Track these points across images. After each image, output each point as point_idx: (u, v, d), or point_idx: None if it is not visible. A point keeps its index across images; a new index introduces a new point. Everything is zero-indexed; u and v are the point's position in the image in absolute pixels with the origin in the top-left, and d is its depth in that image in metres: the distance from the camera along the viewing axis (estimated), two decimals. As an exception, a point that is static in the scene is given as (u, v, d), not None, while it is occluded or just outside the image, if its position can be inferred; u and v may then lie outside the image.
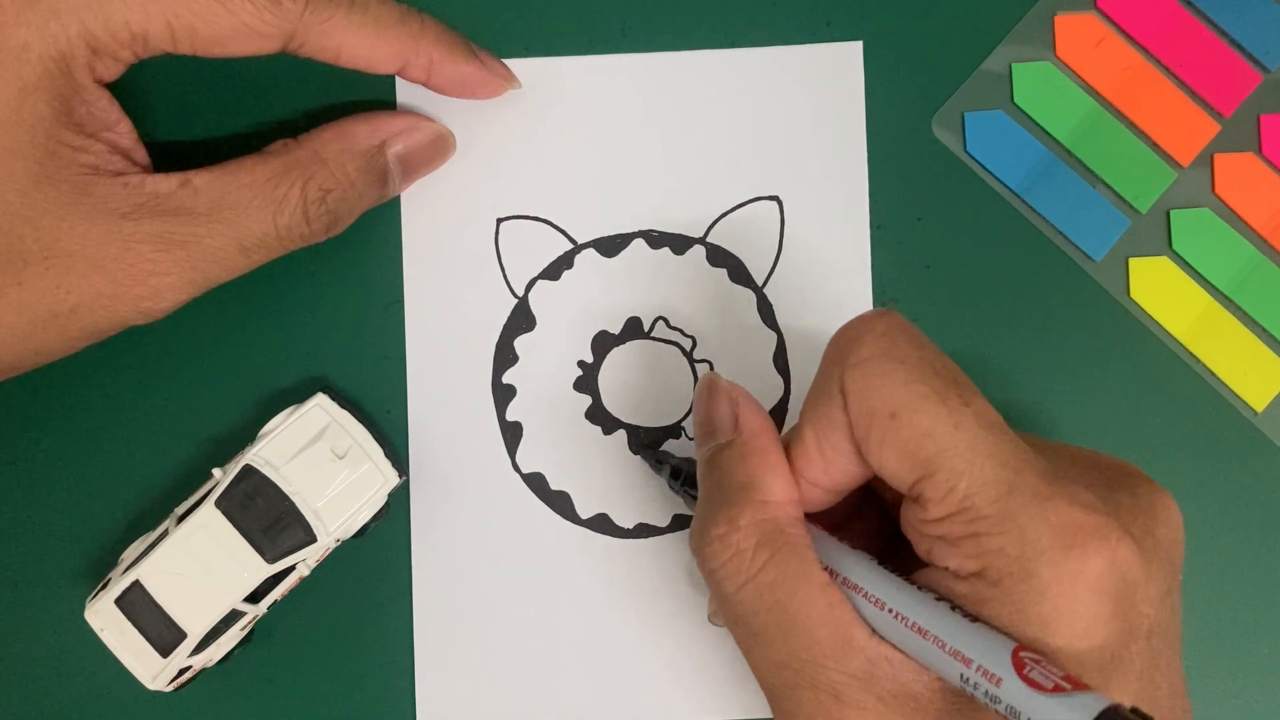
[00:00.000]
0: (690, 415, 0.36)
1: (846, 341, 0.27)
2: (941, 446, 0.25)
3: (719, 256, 0.36)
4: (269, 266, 0.33)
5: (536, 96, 0.37)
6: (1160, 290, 0.36)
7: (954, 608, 0.25)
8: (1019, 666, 0.23)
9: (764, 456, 0.28)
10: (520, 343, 0.36)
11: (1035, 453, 0.26)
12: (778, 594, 0.27)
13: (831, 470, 0.28)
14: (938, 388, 0.26)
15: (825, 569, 0.27)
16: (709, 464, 0.29)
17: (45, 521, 0.36)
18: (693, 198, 0.36)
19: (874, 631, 0.26)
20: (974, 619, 0.25)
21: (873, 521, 0.30)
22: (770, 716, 0.35)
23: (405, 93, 0.36)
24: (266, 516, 0.33)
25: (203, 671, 0.34)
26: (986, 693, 0.23)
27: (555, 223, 0.37)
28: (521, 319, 0.37)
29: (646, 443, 0.36)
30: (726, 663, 0.36)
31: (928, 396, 0.26)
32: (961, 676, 0.24)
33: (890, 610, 0.26)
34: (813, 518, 0.29)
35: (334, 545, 0.34)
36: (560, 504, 0.36)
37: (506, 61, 0.36)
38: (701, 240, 0.36)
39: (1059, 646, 0.24)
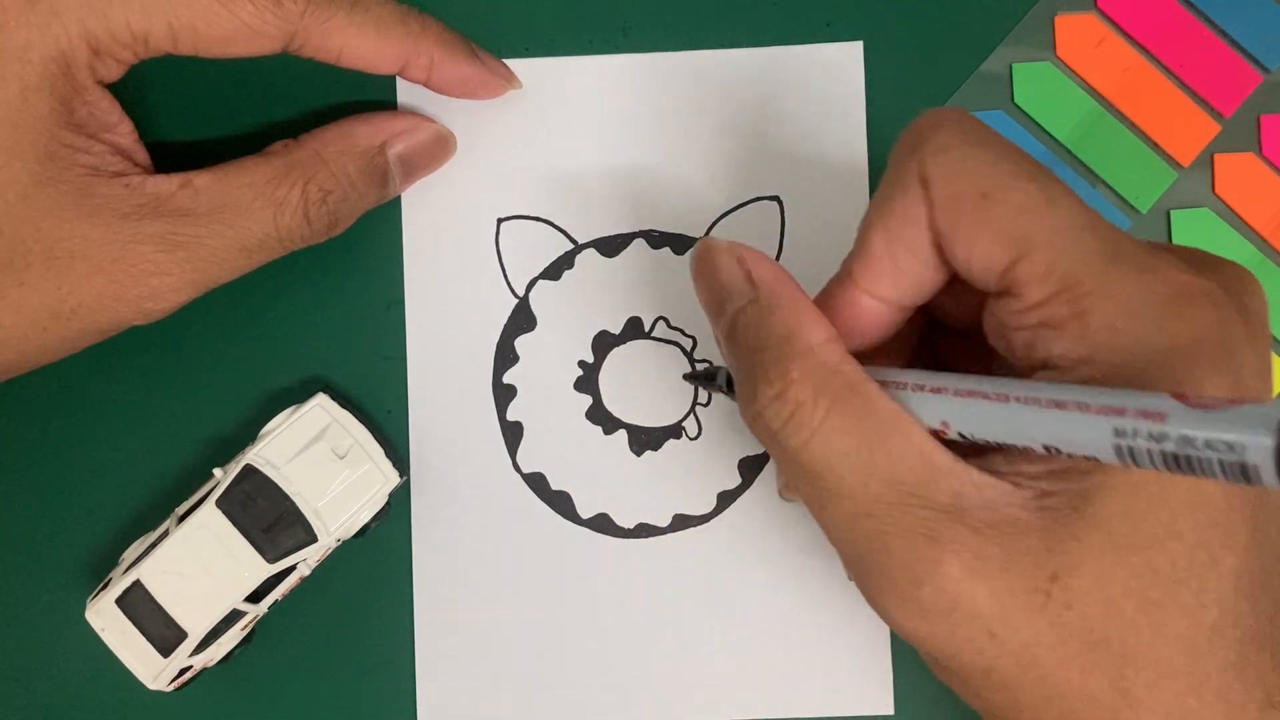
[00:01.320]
0: (690, 414, 0.36)
1: (924, 129, 0.26)
2: (1040, 221, 0.24)
3: (719, 256, 0.36)
4: (269, 266, 0.33)
5: (536, 96, 0.37)
6: (1160, 290, 0.36)
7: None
8: (1181, 398, 0.21)
9: (794, 303, 0.27)
10: (521, 343, 0.37)
11: (1127, 234, 0.25)
12: (847, 438, 0.25)
13: (902, 278, 0.26)
14: (1026, 167, 0.25)
15: (886, 384, 0.26)
16: (735, 330, 0.27)
17: (45, 521, 0.36)
18: (693, 198, 0.37)
19: (957, 457, 0.25)
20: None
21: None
22: (770, 717, 0.36)
23: (405, 93, 0.36)
24: (267, 516, 0.33)
25: (203, 671, 0.35)
26: (1149, 434, 0.21)
27: (555, 223, 0.37)
28: (522, 319, 0.37)
29: (692, 372, 0.33)
30: (726, 663, 0.36)
31: (1018, 174, 0.25)
32: (1116, 431, 0.21)
33: (995, 396, 0.24)
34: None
35: (334, 545, 0.34)
36: (560, 504, 0.36)
37: (506, 61, 0.36)
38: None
39: None
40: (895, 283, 0.27)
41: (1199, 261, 0.26)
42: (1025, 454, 0.24)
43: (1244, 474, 0.19)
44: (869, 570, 0.26)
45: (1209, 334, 0.23)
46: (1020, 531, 0.24)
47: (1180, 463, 0.20)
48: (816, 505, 0.26)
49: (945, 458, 0.25)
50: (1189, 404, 0.20)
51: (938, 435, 0.25)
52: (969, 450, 0.25)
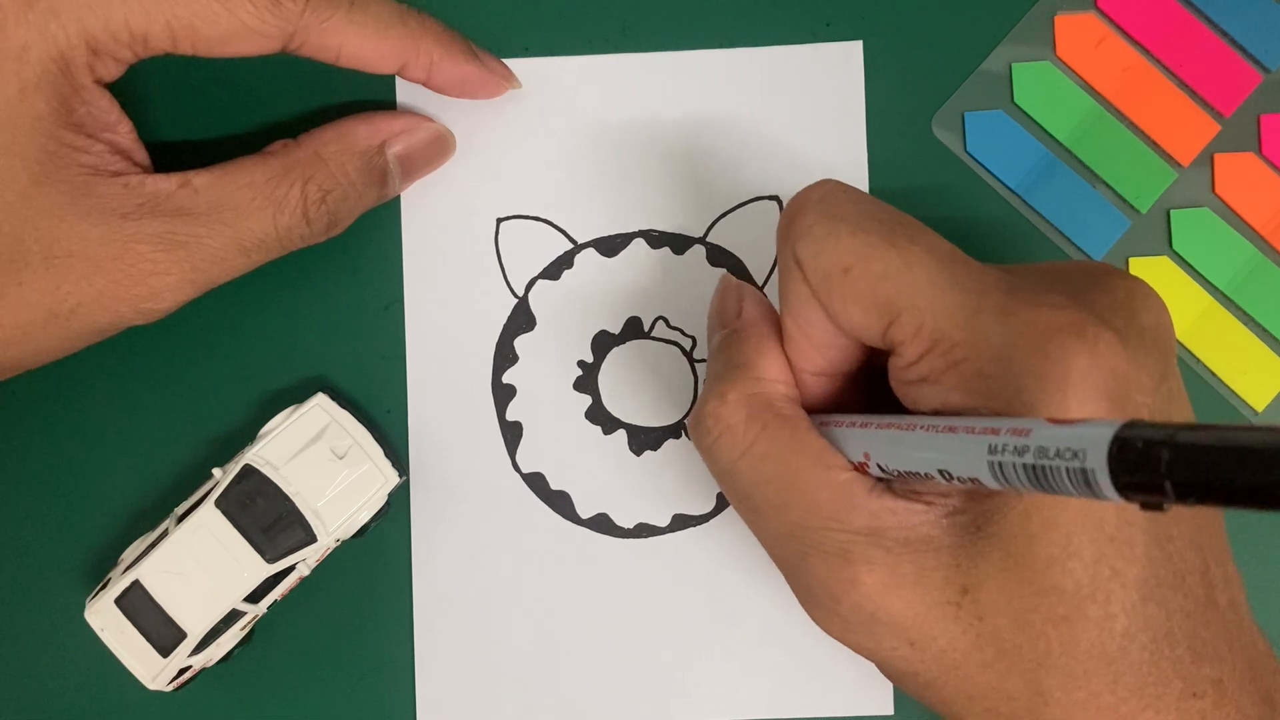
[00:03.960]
0: (689, 415, 0.36)
1: (791, 216, 0.28)
2: (898, 287, 0.26)
3: (719, 256, 0.36)
4: (269, 266, 0.33)
5: (536, 96, 0.37)
6: (1160, 290, 0.36)
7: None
8: (1052, 421, 0.22)
9: (760, 340, 0.29)
10: (520, 342, 0.36)
11: (1000, 272, 0.26)
12: (772, 465, 0.27)
13: (822, 350, 0.28)
14: (883, 234, 0.26)
15: (822, 424, 0.28)
16: (714, 352, 0.30)
17: (45, 521, 0.36)
18: (693, 198, 0.36)
19: (875, 485, 0.26)
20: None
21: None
22: (770, 717, 0.36)
23: (405, 93, 0.36)
24: (266, 516, 0.33)
25: (203, 671, 0.35)
26: (1014, 448, 0.22)
27: (555, 222, 0.37)
28: (521, 319, 0.37)
29: None
30: (726, 663, 0.36)
31: (874, 244, 0.26)
32: (990, 448, 0.22)
33: (905, 426, 0.25)
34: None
35: (334, 545, 0.34)
36: (560, 504, 0.36)
37: (506, 61, 0.36)
38: (701, 240, 0.36)
39: None
40: (819, 355, 0.29)
41: (1087, 282, 0.26)
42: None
43: (1086, 482, 0.20)
44: (796, 585, 0.28)
45: (1076, 367, 0.24)
46: (932, 548, 0.26)
47: (1039, 476, 0.21)
48: (748, 521, 0.29)
49: (863, 486, 0.26)
50: (1055, 422, 0.21)
51: (861, 468, 0.27)
52: (895, 482, 0.27)
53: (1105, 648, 0.25)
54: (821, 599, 0.27)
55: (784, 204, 0.36)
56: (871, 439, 0.26)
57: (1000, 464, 0.22)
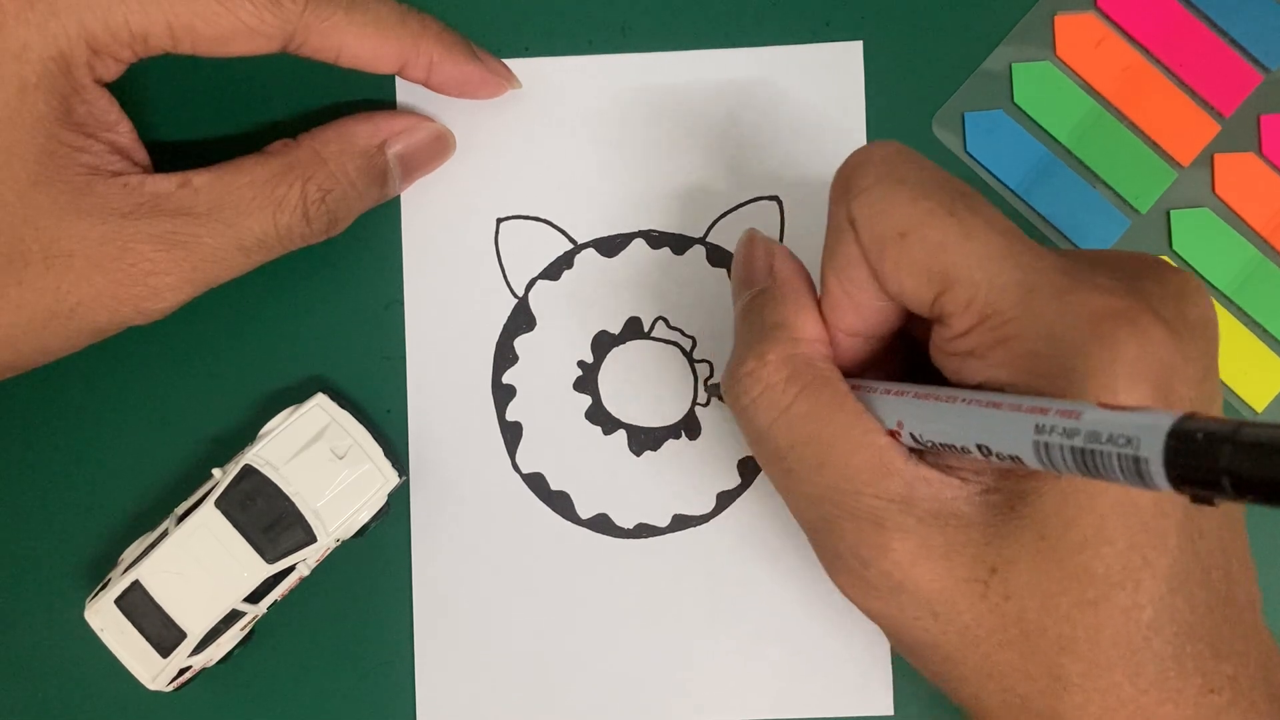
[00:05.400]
0: (690, 414, 0.36)
1: (849, 173, 0.27)
2: (955, 257, 0.25)
3: (719, 256, 0.36)
4: (269, 266, 0.33)
5: (536, 96, 0.37)
6: (1160, 290, 0.36)
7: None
8: (1103, 406, 0.22)
9: (796, 299, 0.29)
10: (520, 343, 0.36)
11: (1055, 253, 0.26)
12: (811, 425, 0.27)
13: (863, 312, 0.28)
14: (944, 201, 0.26)
15: (854, 387, 0.27)
16: (745, 311, 0.30)
17: (45, 521, 0.36)
18: (693, 198, 0.36)
19: (910, 454, 0.26)
20: None
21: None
22: (770, 717, 0.36)
23: (405, 93, 0.36)
24: (266, 516, 0.33)
25: (203, 671, 0.35)
26: (1064, 430, 0.22)
27: (555, 223, 0.37)
28: (521, 319, 0.37)
29: (711, 387, 0.36)
30: (726, 663, 0.36)
31: (934, 211, 0.26)
32: (1036, 428, 0.22)
33: (945, 397, 0.25)
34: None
35: (334, 545, 0.34)
36: (560, 504, 0.36)
37: (506, 61, 0.36)
38: (701, 240, 0.36)
39: None
40: (859, 316, 0.28)
41: (1138, 271, 0.26)
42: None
43: (1137, 470, 0.20)
44: (824, 548, 0.28)
45: (1127, 353, 0.23)
46: (963, 524, 0.26)
47: (1087, 460, 0.21)
48: (779, 484, 0.28)
49: (899, 453, 0.26)
50: (1108, 407, 0.21)
51: (894, 435, 0.26)
52: (926, 453, 0.27)
53: (1130, 638, 0.25)
54: (850, 563, 0.27)
55: (784, 205, 0.36)
56: (907, 407, 0.26)
57: (1046, 444, 0.22)
